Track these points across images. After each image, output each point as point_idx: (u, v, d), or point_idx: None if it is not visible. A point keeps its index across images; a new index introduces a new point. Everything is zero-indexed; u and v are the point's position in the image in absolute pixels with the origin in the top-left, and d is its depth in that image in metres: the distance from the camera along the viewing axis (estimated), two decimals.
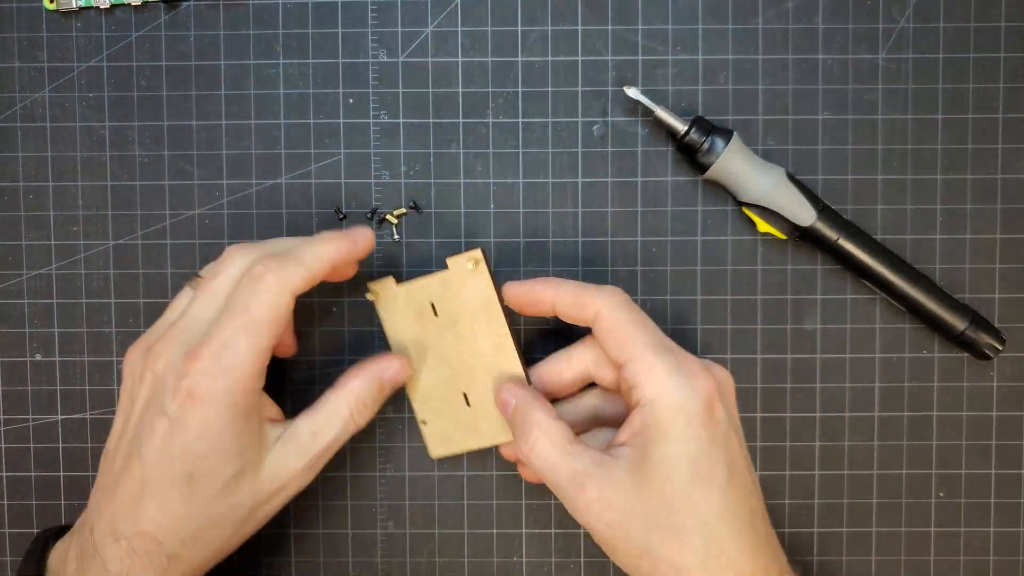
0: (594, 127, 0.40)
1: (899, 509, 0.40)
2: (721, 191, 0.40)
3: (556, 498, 0.40)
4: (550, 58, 0.40)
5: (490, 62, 0.40)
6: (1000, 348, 0.39)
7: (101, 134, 0.40)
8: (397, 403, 0.40)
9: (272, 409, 0.34)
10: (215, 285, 0.33)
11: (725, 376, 0.33)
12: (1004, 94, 0.40)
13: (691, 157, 0.38)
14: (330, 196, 0.40)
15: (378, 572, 0.41)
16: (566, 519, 0.40)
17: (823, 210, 0.38)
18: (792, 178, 0.38)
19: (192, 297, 0.33)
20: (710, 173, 0.38)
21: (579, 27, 0.40)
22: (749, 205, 0.38)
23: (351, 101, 0.40)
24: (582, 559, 0.40)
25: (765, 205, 0.38)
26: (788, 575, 0.32)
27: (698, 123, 0.38)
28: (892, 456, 0.40)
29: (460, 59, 0.40)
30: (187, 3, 0.40)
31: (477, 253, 0.34)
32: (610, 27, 0.40)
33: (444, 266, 0.36)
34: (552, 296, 0.34)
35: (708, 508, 0.30)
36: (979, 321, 0.38)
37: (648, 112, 0.39)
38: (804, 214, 0.38)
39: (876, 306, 0.40)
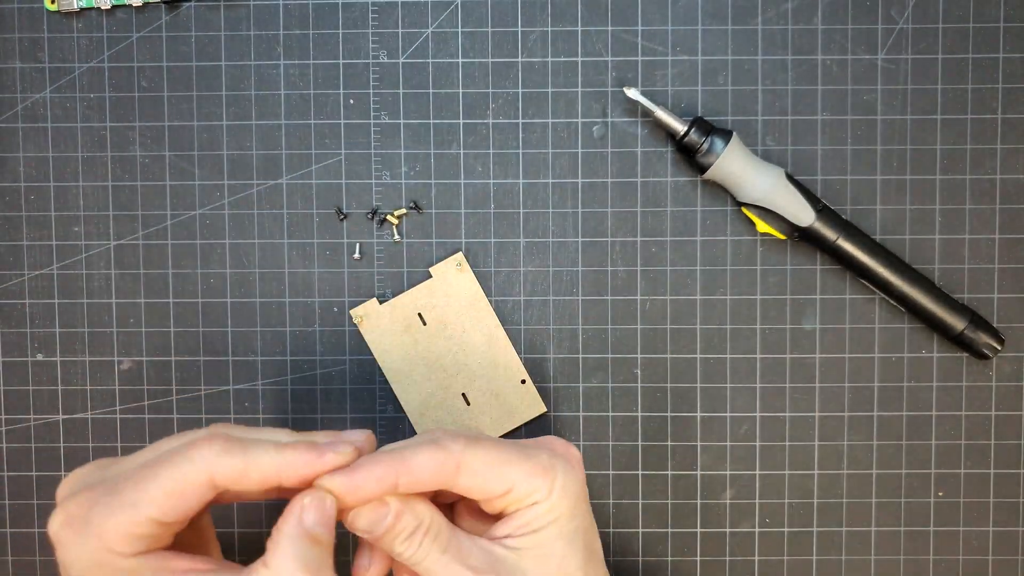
0: (594, 127, 0.40)
1: (898, 508, 0.40)
2: (721, 191, 0.40)
3: None
4: (550, 59, 0.40)
5: (490, 63, 0.40)
6: (999, 348, 0.39)
7: (102, 134, 0.40)
8: (398, 403, 0.40)
9: (183, 563, 0.29)
10: (156, 444, 0.29)
11: (574, 452, 0.32)
12: (1003, 94, 0.40)
13: (690, 157, 0.38)
14: (331, 196, 0.40)
15: None
16: None
17: (822, 210, 0.38)
18: (791, 178, 0.38)
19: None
20: (710, 173, 0.38)
21: (579, 28, 0.40)
22: (748, 205, 0.38)
23: (351, 102, 0.40)
24: None
25: (764, 205, 0.38)
26: None
27: (697, 123, 0.38)
28: (891, 456, 0.40)
29: (460, 60, 0.40)
30: (188, 4, 0.40)
31: (459, 256, 0.35)
32: (610, 28, 0.40)
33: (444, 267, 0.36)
34: (394, 481, 0.28)
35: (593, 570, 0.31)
36: (978, 321, 0.39)
37: (648, 113, 0.39)
38: (803, 214, 0.38)
39: (875, 306, 0.40)
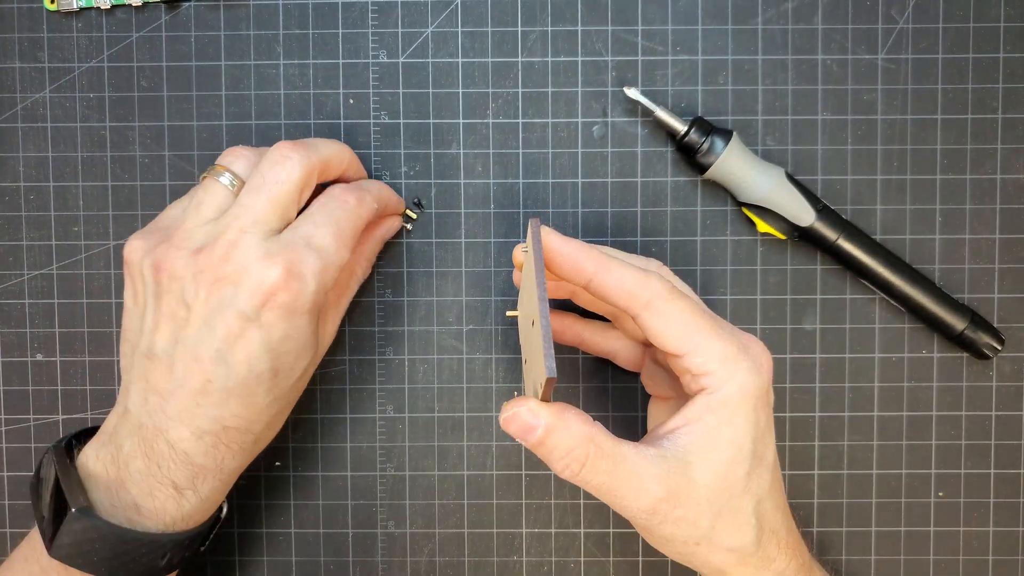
0: (594, 127, 0.40)
1: (898, 509, 0.40)
2: (721, 191, 0.40)
3: (555, 498, 0.40)
4: (550, 58, 0.40)
5: (490, 62, 0.40)
6: (999, 348, 0.39)
7: (102, 134, 0.40)
8: (397, 403, 0.40)
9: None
10: (272, 178, 0.33)
11: (767, 360, 0.32)
12: (1003, 94, 0.40)
13: (691, 157, 0.38)
14: None
15: (378, 572, 0.41)
16: (566, 519, 0.40)
17: (822, 210, 0.38)
18: (791, 178, 0.38)
19: (263, 198, 0.33)
20: (710, 173, 0.38)
21: (579, 27, 0.40)
22: (749, 205, 0.38)
23: (351, 101, 0.40)
24: (582, 559, 0.40)
25: (765, 205, 0.38)
26: (802, 543, 0.34)
27: (698, 123, 0.38)
28: (891, 456, 0.40)
29: (460, 59, 0.40)
30: (187, 4, 0.40)
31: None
32: (610, 27, 0.40)
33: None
34: (591, 274, 0.31)
35: (760, 487, 0.31)
36: (978, 321, 0.39)
37: (648, 112, 0.39)
38: (803, 214, 0.38)
39: (875, 306, 0.40)
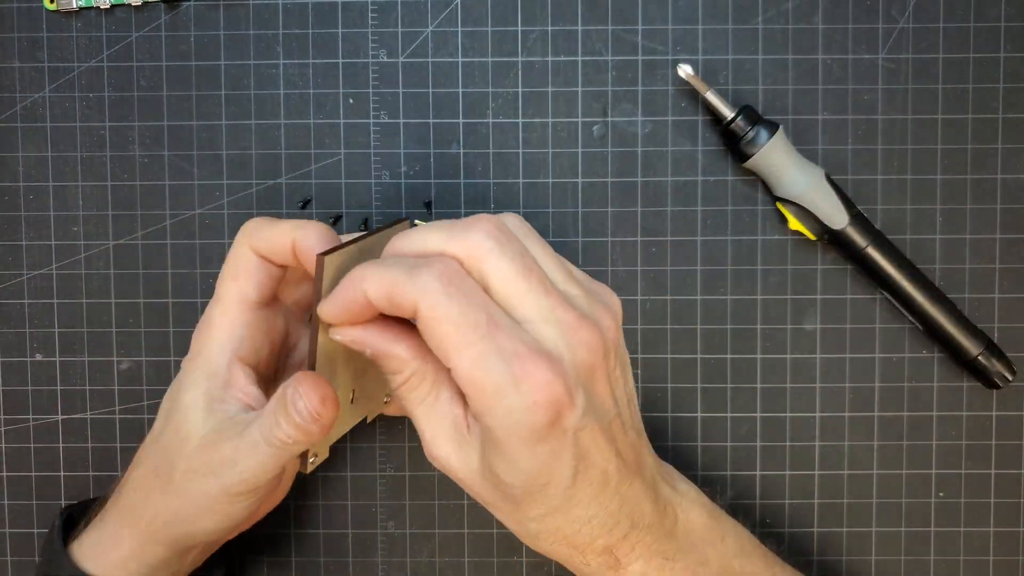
0: (594, 127, 0.40)
1: (899, 509, 0.40)
2: (722, 192, 0.40)
3: None
4: (550, 58, 0.40)
5: (490, 62, 0.40)
6: (1010, 378, 0.38)
7: (101, 134, 0.40)
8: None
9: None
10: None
11: (609, 317, 0.28)
12: (1004, 94, 0.40)
13: (734, 145, 0.38)
14: (330, 196, 0.40)
15: (378, 572, 0.41)
16: None
17: (856, 216, 0.38)
18: (830, 180, 0.38)
19: None
20: (751, 163, 0.38)
21: (579, 27, 0.40)
22: (784, 201, 0.38)
23: (351, 101, 0.40)
24: None
25: (799, 203, 0.38)
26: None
27: (746, 111, 0.38)
28: (892, 456, 0.40)
29: (460, 59, 0.40)
30: (187, 3, 0.40)
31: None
32: (610, 27, 0.40)
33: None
34: (365, 300, 0.26)
35: (607, 496, 0.28)
36: (993, 349, 0.38)
37: (648, 113, 0.39)
38: (837, 217, 0.38)
39: (876, 306, 0.40)
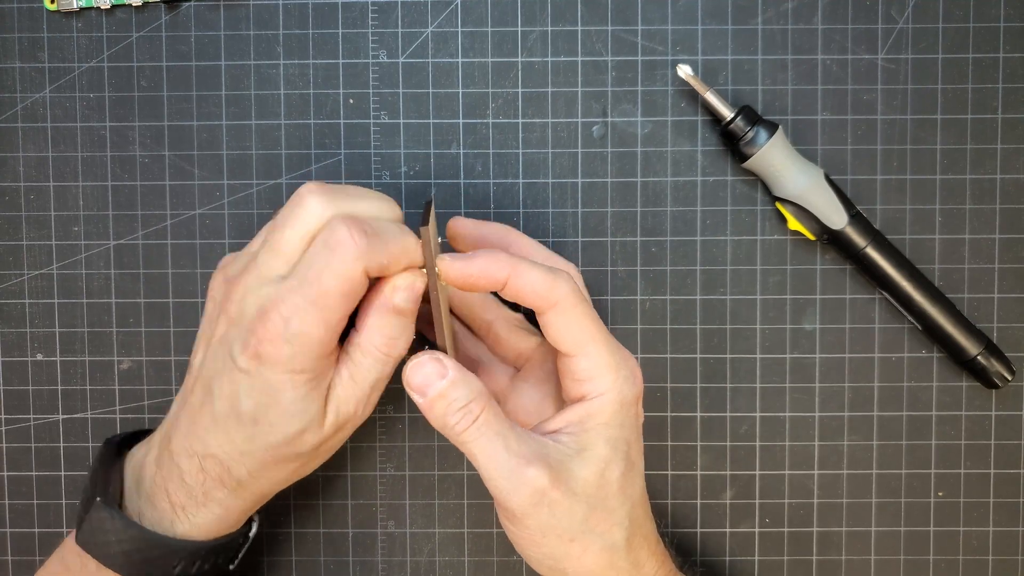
0: (594, 127, 0.40)
1: (898, 509, 0.40)
2: (721, 192, 0.40)
3: None
4: (550, 58, 0.40)
5: (490, 63, 0.40)
6: (1009, 378, 0.39)
7: (102, 134, 0.40)
8: (397, 403, 0.40)
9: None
10: (285, 239, 0.31)
11: (639, 374, 0.34)
12: (1003, 94, 0.40)
13: (733, 145, 0.38)
14: None
15: (378, 572, 0.41)
16: None
17: (855, 216, 0.38)
18: (829, 180, 0.38)
19: (263, 241, 0.32)
20: (750, 163, 0.38)
21: (579, 27, 0.40)
22: (783, 201, 0.38)
23: (351, 101, 0.40)
24: None
25: (799, 203, 0.38)
26: (667, 552, 0.36)
27: (745, 112, 0.38)
28: (891, 456, 0.40)
29: (460, 59, 0.40)
30: (187, 3, 0.40)
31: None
32: (610, 27, 0.40)
33: None
34: (504, 279, 0.31)
35: (634, 492, 0.33)
36: (993, 349, 0.38)
37: (647, 113, 0.39)
38: (836, 217, 0.38)
39: (875, 306, 0.40)
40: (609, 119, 0.40)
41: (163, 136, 0.40)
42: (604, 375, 0.32)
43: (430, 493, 0.41)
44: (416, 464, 0.41)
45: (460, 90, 0.40)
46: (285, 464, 0.33)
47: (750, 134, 0.38)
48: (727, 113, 0.38)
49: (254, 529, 0.36)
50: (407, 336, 0.33)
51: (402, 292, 0.31)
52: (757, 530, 0.41)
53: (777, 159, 0.38)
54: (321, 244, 0.30)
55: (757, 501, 0.40)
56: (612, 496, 0.32)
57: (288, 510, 0.40)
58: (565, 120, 0.40)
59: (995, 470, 0.40)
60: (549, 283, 0.31)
